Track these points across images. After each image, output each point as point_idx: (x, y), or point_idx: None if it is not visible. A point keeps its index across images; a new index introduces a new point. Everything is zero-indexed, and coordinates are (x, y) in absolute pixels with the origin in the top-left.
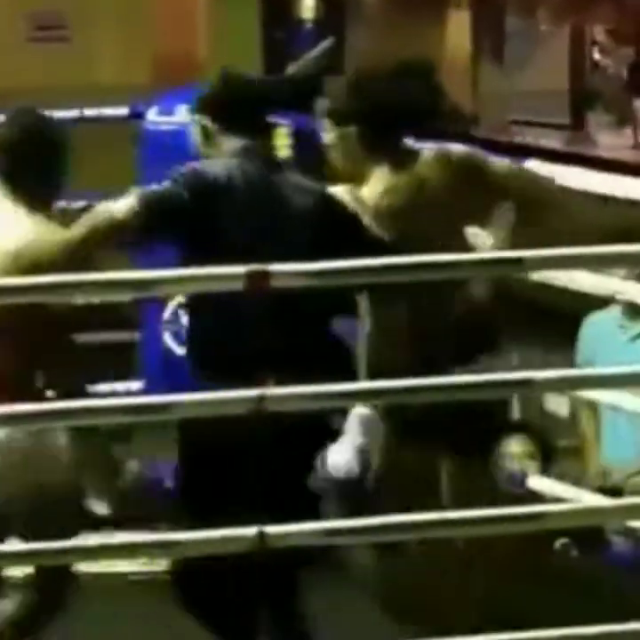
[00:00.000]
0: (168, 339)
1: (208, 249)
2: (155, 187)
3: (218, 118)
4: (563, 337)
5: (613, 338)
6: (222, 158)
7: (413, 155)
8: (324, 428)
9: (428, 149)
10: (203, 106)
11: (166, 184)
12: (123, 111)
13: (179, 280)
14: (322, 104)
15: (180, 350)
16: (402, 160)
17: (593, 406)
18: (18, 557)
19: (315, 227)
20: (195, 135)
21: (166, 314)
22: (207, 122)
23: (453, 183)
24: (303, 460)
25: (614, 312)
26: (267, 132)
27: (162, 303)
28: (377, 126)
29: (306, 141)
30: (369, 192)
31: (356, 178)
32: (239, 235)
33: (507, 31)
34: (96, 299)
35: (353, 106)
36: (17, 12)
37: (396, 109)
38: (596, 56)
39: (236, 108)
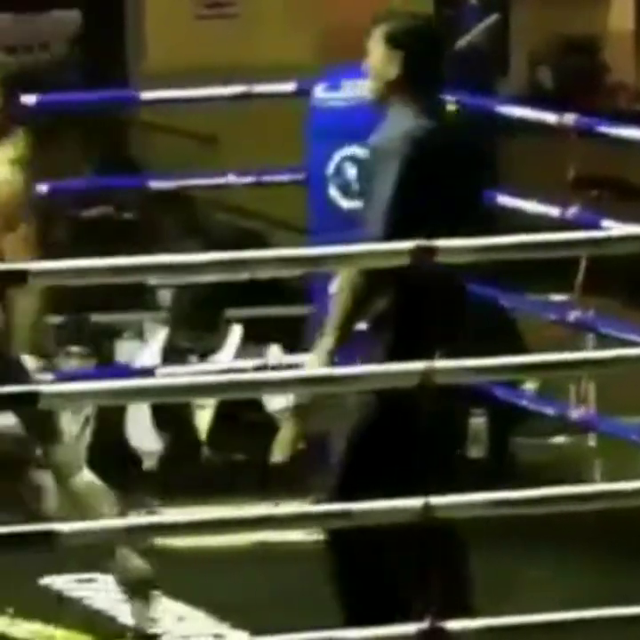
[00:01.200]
0: None
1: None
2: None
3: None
4: None
5: None
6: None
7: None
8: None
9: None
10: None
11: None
12: (290, 87)
13: (348, 256)
14: None
15: None
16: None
17: None
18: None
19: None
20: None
21: (333, 288)
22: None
23: None
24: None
25: None
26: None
27: (328, 278)
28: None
29: (474, 116)
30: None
31: None
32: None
33: None
34: (265, 275)
35: None
36: None
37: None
38: None
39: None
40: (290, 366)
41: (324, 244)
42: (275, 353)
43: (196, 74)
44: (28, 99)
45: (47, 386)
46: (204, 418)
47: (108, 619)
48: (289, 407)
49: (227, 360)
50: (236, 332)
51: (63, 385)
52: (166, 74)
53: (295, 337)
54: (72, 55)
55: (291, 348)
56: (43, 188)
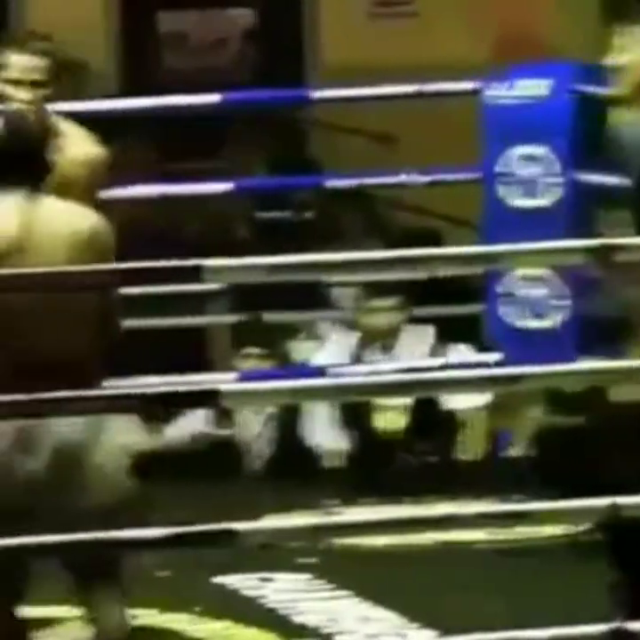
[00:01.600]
0: (505, 311)
1: None
2: None
3: None
4: None
5: None
6: None
7: None
8: None
9: None
10: None
11: None
12: (465, 87)
13: (529, 253)
14: None
15: (520, 322)
16: None
17: None
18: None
19: None
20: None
21: (502, 287)
22: None
23: None
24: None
25: None
26: None
27: (499, 276)
28: None
29: None
30: None
31: None
32: None
33: None
34: (445, 273)
35: None
36: None
37: None
38: None
39: None
40: (474, 365)
41: (499, 242)
42: (463, 352)
43: (373, 72)
44: (211, 97)
45: (227, 385)
46: (392, 418)
47: (285, 618)
48: (476, 406)
49: (417, 359)
50: (426, 332)
51: (242, 384)
52: (343, 72)
53: (477, 336)
54: (247, 53)
55: (476, 347)
56: (224, 186)
